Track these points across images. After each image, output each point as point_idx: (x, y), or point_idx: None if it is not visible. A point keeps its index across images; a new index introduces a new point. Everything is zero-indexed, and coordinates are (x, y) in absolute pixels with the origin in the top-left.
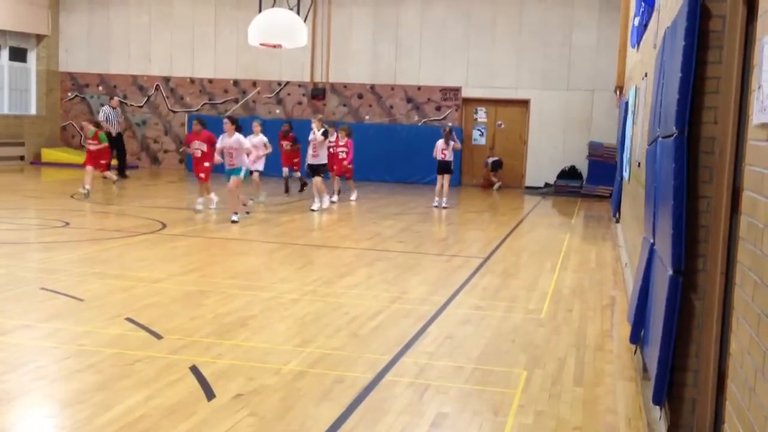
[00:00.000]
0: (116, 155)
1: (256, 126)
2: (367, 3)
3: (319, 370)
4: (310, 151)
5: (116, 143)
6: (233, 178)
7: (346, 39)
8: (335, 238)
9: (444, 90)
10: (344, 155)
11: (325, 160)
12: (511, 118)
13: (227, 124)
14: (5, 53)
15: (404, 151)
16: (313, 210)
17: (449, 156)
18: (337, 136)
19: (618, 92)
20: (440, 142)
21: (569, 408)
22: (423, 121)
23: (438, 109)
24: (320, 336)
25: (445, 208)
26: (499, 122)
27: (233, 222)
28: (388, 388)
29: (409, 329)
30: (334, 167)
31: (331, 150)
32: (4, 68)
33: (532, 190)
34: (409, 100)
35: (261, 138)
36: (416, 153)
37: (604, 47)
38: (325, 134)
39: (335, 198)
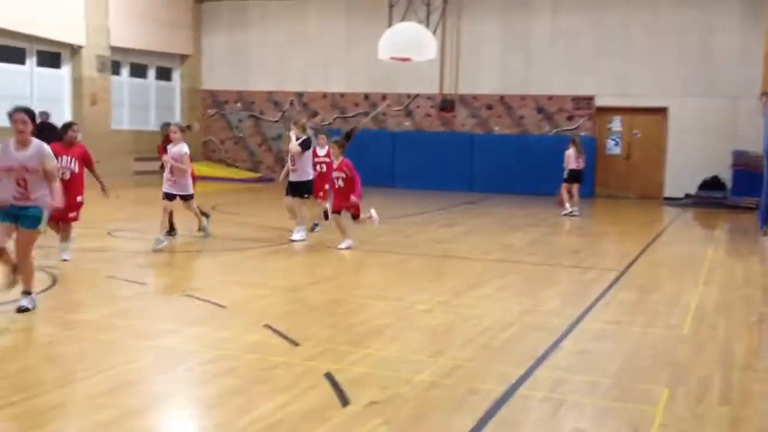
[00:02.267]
0: None
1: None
2: (497, 14)
3: (452, 381)
4: (288, 165)
5: None
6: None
7: (475, 50)
8: (465, 250)
9: (576, 99)
10: (341, 181)
11: (307, 177)
12: (647, 126)
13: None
14: (152, 73)
15: (535, 162)
16: (292, 240)
17: (582, 165)
18: (328, 151)
19: (764, 99)
20: (571, 151)
21: (714, 428)
22: (554, 131)
23: (570, 118)
24: (452, 347)
25: (575, 215)
26: (635, 131)
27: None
28: (522, 402)
29: (543, 342)
30: (320, 194)
31: (318, 168)
32: (152, 87)
33: (672, 201)
34: (539, 110)
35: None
36: (547, 164)
37: (748, 52)
38: (305, 144)
39: (314, 229)
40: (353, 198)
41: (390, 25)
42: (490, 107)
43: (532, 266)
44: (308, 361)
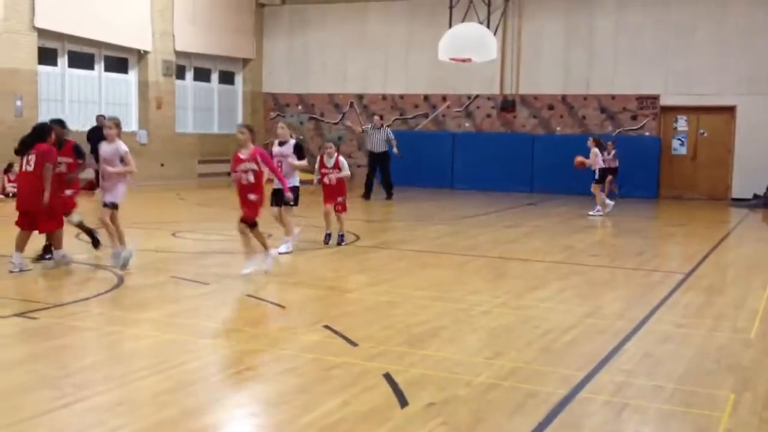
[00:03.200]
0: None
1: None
2: (559, 12)
3: (511, 383)
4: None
5: (380, 163)
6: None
7: (536, 49)
8: (526, 251)
9: (640, 98)
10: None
11: (292, 183)
12: (714, 125)
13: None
14: (216, 77)
15: None
16: (280, 253)
17: (614, 163)
18: (336, 161)
19: None
20: (597, 151)
21: None
22: (618, 131)
23: (634, 118)
24: (511, 349)
25: (598, 215)
26: (702, 130)
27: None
28: (584, 405)
29: (605, 345)
30: (337, 207)
31: (327, 181)
32: (215, 91)
33: (739, 201)
34: (602, 110)
35: None
36: None
37: None
38: (298, 149)
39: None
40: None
41: (450, 26)
42: (551, 107)
43: (594, 268)
44: (367, 362)
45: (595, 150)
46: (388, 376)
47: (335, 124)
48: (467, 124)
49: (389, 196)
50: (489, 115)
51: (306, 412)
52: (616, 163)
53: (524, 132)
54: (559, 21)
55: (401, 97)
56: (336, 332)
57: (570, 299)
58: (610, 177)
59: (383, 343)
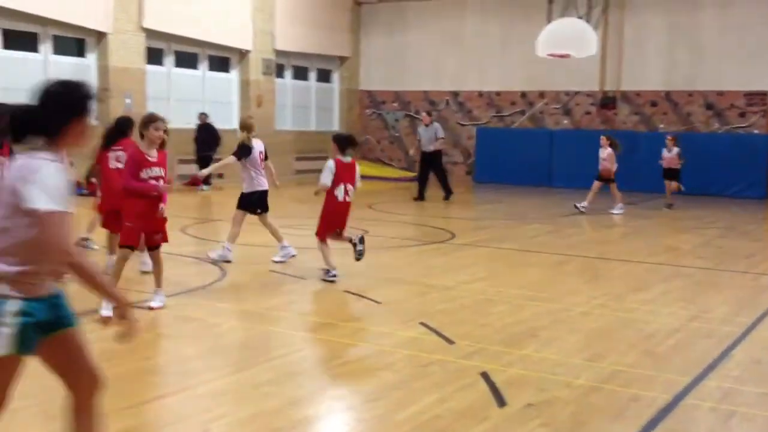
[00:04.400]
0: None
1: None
2: (662, 6)
3: (613, 387)
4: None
5: (430, 163)
6: None
7: (638, 45)
8: (627, 252)
9: (749, 95)
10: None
11: (255, 188)
12: None
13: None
14: (313, 75)
15: (703, 161)
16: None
17: (676, 164)
18: (353, 162)
19: None
20: (664, 150)
21: None
22: (725, 128)
23: (742, 115)
24: (612, 351)
25: (618, 213)
26: None
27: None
28: (689, 412)
29: (711, 350)
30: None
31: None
32: (312, 89)
33: None
34: (708, 107)
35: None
36: (716, 163)
37: None
38: (244, 151)
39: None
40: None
41: (549, 21)
42: (654, 104)
43: (699, 270)
44: (463, 360)
45: (609, 150)
46: (485, 375)
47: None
48: (566, 122)
49: (447, 196)
50: (588, 112)
51: (402, 407)
52: (679, 163)
53: (625, 129)
54: (662, 15)
55: (497, 94)
56: (432, 329)
57: (674, 302)
58: (671, 181)
59: (480, 341)
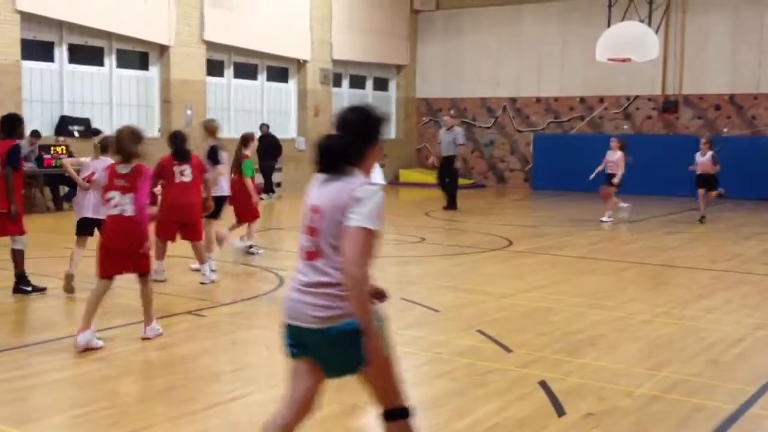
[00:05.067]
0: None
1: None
2: (726, 8)
3: (675, 396)
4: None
5: (445, 168)
6: None
7: (701, 47)
8: (690, 259)
9: None
10: None
11: (221, 193)
12: None
13: None
14: (370, 83)
15: None
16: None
17: (711, 169)
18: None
19: None
20: (697, 154)
21: None
22: None
23: None
24: (675, 360)
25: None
26: None
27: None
28: (754, 422)
29: None
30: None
31: None
32: (369, 97)
33: None
34: None
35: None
36: None
37: None
38: (213, 155)
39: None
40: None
41: (609, 25)
42: (718, 108)
43: (765, 278)
44: (522, 368)
45: (620, 153)
46: (543, 384)
47: (488, 128)
48: (626, 127)
49: (449, 205)
50: (650, 117)
51: (461, 416)
52: (715, 169)
53: (688, 134)
54: (726, 17)
55: (555, 99)
56: (490, 337)
57: (739, 310)
58: (706, 190)
59: (539, 350)
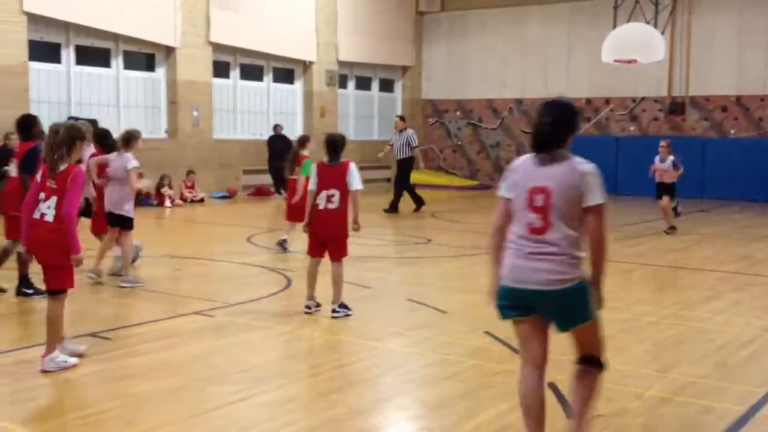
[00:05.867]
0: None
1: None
2: (731, 9)
3: (684, 398)
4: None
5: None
6: None
7: (707, 49)
8: (697, 260)
9: None
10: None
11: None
12: None
13: None
14: (376, 85)
15: None
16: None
17: (667, 177)
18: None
19: None
20: (656, 159)
21: None
22: None
23: None
24: (683, 362)
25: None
26: None
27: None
28: (764, 424)
29: None
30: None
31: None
32: (375, 98)
33: None
34: None
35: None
36: None
37: None
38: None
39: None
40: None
41: (615, 26)
42: (724, 109)
43: None
44: None
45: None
46: (552, 386)
47: (493, 129)
48: (632, 128)
49: (418, 207)
50: (656, 118)
51: (469, 417)
52: (676, 176)
53: (694, 135)
54: (732, 18)
55: None
56: (498, 339)
57: (747, 312)
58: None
59: None
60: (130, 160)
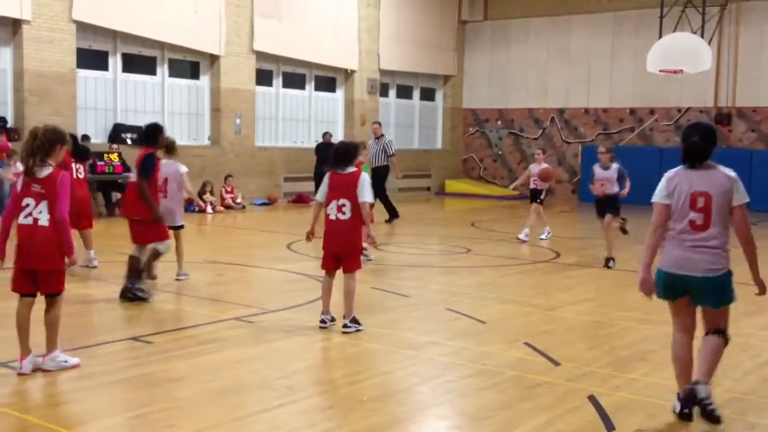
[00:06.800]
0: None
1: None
2: None
3: (727, 414)
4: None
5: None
6: None
7: (755, 59)
8: (741, 274)
9: None
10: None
11: None
12: None
13: None
14: (417, 93)
15: None
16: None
17: (610, 188)
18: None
19: None
20: (595, 168)
21: None
22: None
23: None
24: (727, 378)
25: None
26: None
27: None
28: None
29: None
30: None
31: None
32: (416, 107)
33: None
34: None
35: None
36: None
37: None
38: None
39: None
40: None
41: (660, 36)
42: None
43: None
44: (570, 382)
45: (545, 165)
46: (592, 398)
47: (534, 139)
48: (677, 139)
49: (390, 218)
50: None
51: (508, 429)
52: (617, 187)
53: (741, 147)
54: None
55: (605, 110)
56: (537, 350)
57: None
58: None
59: (587, 364)
60: (180, 166)
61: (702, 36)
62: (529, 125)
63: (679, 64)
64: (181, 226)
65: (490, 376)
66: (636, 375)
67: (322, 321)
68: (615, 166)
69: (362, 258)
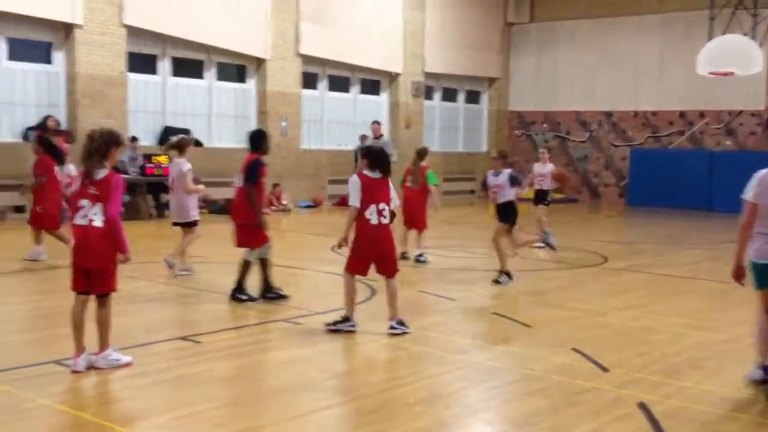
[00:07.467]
0: None
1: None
2: None
3: None
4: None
5: None
6: None
7: None
8: None
9: None
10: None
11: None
12: None
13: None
14: (462, 96)
15: None
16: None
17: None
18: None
19: None
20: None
21: None
22: None
23: None
24: None
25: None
26: None
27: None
28: None
29: None
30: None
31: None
32: (460, 110)
33: None
34: None
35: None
36: None
37: None
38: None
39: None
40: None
41: (710, 38)
42: None
43: None
44: (619, 389)
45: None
46: (642, 406)
47: (582, 142)
48: (728, 142)
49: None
50: (753, 133)
51: None
52: (513, 192)
53: None
54: None
55: (654, 114)
56: (585, 356)
57: None
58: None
59: (637, 370)
60: (184, 163)
61: (753, 38)
62: (576, 128)
63: (730, 66)
64: (195, 222)
65: (537, 381)
66: (689, 383)
67: (351, 326)
68: (507, 171)
69: (422, 260)
